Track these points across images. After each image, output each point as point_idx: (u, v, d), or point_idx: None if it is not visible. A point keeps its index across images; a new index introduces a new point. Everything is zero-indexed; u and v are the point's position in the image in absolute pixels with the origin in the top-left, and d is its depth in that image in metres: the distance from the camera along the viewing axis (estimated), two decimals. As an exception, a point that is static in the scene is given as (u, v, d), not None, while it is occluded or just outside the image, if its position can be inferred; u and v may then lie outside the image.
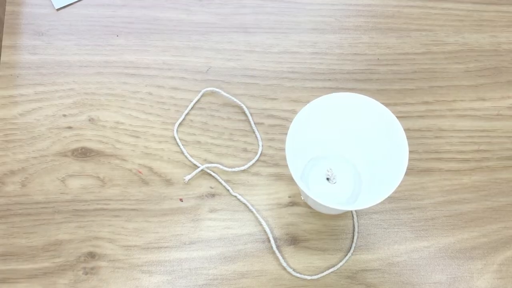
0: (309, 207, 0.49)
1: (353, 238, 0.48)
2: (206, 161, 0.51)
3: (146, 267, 0.46)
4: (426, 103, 0.54)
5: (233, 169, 0.50)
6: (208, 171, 0.50)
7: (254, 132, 0.52)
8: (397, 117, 0.41)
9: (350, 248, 0.48)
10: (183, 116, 0.52)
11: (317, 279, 0.47)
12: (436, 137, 0.52)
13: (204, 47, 0.55)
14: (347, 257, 0.47)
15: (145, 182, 0.49)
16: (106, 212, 0.48)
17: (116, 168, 0.50)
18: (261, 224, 0.48)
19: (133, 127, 0.52)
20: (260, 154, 0.51)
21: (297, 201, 0.49)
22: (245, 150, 0.51)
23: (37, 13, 0.56)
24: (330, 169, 0.48)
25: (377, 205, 0.38)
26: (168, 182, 0.49)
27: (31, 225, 0.47)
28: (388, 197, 0.38)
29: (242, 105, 0.52)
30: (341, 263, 0.47)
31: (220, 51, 0.55)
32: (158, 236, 0.47)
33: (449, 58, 0.56)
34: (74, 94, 0.53)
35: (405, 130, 0.41)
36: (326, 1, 0.58)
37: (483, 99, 0.54)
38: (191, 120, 0.52)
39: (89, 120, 0.52)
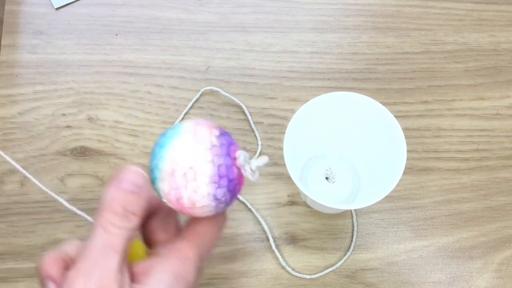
0: (308, 206, 0.49)
1: (352, 237, 0.48)
2: (205, 160, 0.50)
3: (145, 266, 0.46)
4: (425, 102, 0.54)
5: (232, 168, 0.50)
6: (207, 170, 0.50)
7: (253, 131, 0.52)
8: (396, 116, 0.41)
9: (349, 247, 0.47)
10: (182, 115, 0.52)
11: (316, 278, 0.46)
12: (435, 136, 0.52)
13: (203, 46, 0.55)
14: (346, 256, 0.47)
15: (144, 181, 0.49)
16: (105, 211, 0.48)
17: (115, 167, 0.50)
18: (260, 223, 0.48)
19: (132, 126, 0.52)
20: (259, 153, 0.51)
21: (296, 200, 0.49)
22: (244, 149, 0.51)
23: (36, 12, 0.56)
24: (329, 168, 0.48)
25: (376, 204, 0.38)
26: (167, 181, 0.49)
27: (30, 224, 0.47)
28: (387, 196, 0.38)
29: (241, 104, 0.52)
30: (340, 262, 0.47)
31: (219, 50, 0.55)
32: (157, 235, 0.47)
33: (448, 58, 0.56)
34: (73, 93, 0.53)
35: (404, 129, 0.40)
36: (326, 0, 0.58)
37: (482, 99, 0.54)
38: (190, 119, 0.52)
39: (88, 119, 0.52)
